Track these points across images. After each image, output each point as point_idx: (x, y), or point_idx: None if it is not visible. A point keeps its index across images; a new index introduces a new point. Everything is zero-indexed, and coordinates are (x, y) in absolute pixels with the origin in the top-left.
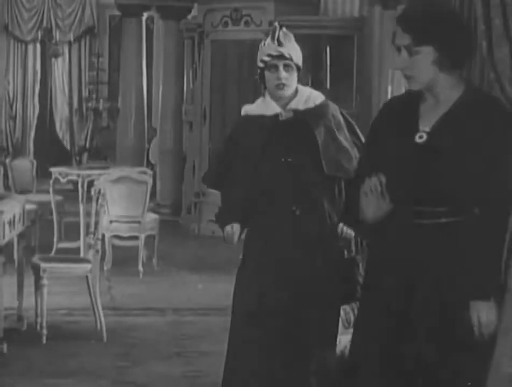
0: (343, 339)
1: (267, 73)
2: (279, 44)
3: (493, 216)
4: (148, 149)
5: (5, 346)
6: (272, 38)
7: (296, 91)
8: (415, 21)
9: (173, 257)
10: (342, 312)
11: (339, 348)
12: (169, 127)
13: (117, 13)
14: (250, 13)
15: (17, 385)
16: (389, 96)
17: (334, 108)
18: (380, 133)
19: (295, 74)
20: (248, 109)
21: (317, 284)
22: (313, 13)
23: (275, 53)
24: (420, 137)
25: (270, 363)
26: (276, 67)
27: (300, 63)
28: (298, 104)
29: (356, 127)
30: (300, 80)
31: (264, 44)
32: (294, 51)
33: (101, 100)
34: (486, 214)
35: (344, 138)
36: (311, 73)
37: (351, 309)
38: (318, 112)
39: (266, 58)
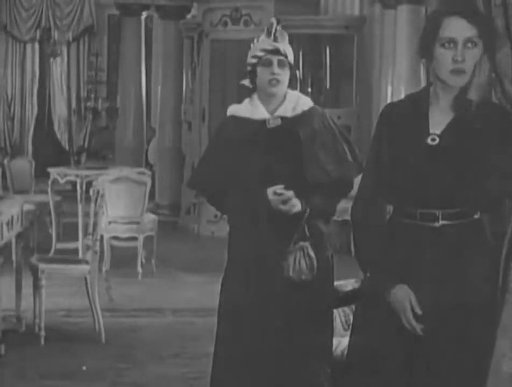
0: (343, 341)
1: (259, 68)
2: (275, 39)
3: (498, 219)
4: (147, 149)
5: (3, 348)
6: (269, 34)
7: (285, 96)
8: (480, 13)
9: (172, 258)
10: (341, 314)
11: (339, 349)
12: (168, 127)
13: (116, 12)
14: (250, 13)
15: (15, 386)
16: (389, 96)
17: (322, 114)
18: (388, 139)
19: (288, 72)
20: (234, 110)
21: (301, 293)
22: (313, 13)
23: (270, 47)
24: (433, 139)
25: (258, 372)
26: (270, 62)
27: (292, 62)
28: (286, 110)
29: (344, 132)
30: (292, 81)
31: (257, 40)
32: (288, 49)
33: (100, 100)
34: (492, 216)
35: (335, 142)
36: (310, 73)
37: (350, 311)
38: (306, 119)
39: (260, 54)
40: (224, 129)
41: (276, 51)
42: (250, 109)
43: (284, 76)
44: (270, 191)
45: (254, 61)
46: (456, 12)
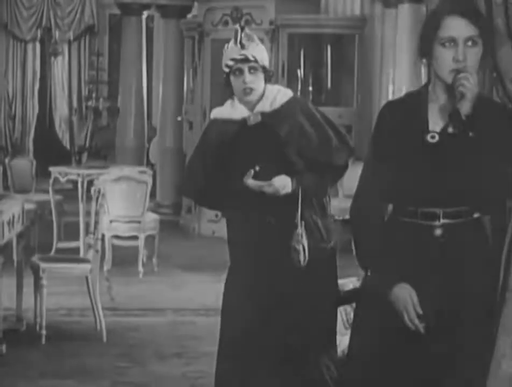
0: (344, 340)
1: (232, 78)
2: (242, 47)
3: (500, 217)
4: (148, 149)
5: (4, 347)
6: (235, 42)
7: (263, 93)
8: (479, 12)
9: (174, 257)
10: (343, 312)
11: (340, 348)
12: (169, 127)
13: (117, 11)
14: (251, 12)
15: (16, 386)
16: (390, 95)
17: (303, 103)
18: (387, 137)
19: (261, 76)
20: (217, 112)
21: (302, 289)
22: (314, 12)
23: (238, 57)
24: (432, 137)
25: (261, 369)
26: (241, 71)
27: (266, 63)
28: (265, 105)
29: (329, 117)
30: (271, 79)
31: (227, 48)
32: (258, 52)
33: (101, 100)
34: (493, 214)
35: (318, 129)
36: (312, 72)
37: (352, 310)
38: (285, 111)
39: (230, 63)
40: (208, 133)
41: (245, 60)
42: (231, 110)
43: (258, 81)
44: (250, 183)
45: (226, 70)
46: (456, 11)
